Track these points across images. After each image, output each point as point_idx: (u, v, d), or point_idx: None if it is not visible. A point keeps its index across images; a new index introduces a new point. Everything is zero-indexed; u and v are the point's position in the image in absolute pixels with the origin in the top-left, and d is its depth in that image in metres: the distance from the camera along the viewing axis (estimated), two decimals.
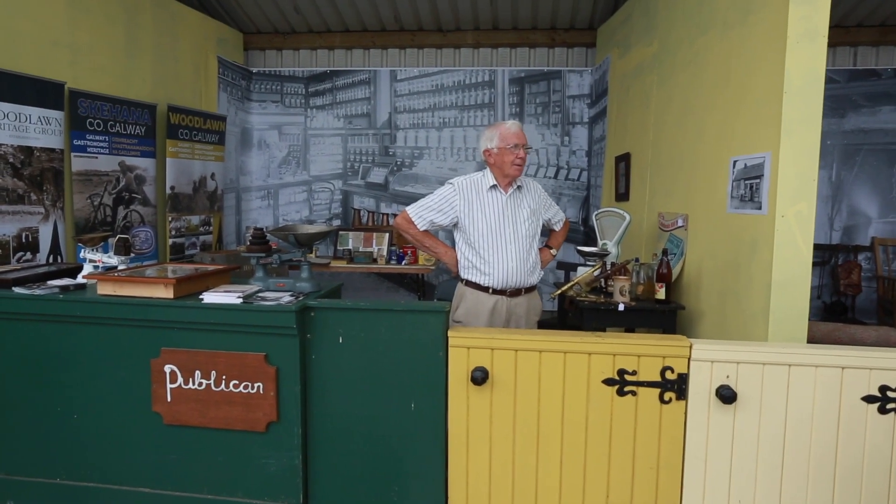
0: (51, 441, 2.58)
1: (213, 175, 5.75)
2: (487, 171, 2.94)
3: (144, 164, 5.01)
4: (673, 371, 2.19)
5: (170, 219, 5.24)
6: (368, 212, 6.25)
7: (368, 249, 5.40)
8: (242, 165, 6.45)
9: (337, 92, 6.44)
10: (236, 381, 2.39)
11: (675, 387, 2.19)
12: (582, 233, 6.10)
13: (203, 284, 2.62)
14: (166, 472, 2.50)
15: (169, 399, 2.45)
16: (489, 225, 2.86)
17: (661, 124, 4.26)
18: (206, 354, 2.41)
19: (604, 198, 5.51)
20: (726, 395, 2.10)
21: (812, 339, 2.74)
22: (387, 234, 5.45)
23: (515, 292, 2.91)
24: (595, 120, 5.98)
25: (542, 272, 3.08)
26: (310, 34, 6.60)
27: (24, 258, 4.01)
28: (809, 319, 2.66)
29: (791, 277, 2.62)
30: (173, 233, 5.29)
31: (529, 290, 2.99)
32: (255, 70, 6.56)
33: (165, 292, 2.44)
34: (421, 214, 2.91)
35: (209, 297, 2.40)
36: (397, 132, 6.38)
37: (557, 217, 3.22)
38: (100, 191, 4.60)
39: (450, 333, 2.33)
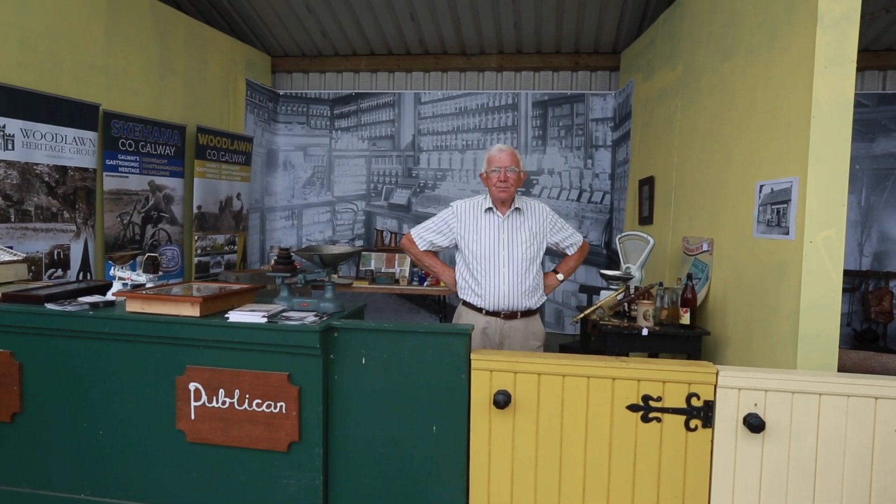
0: (76, 456, 2.61)
1: (238, 195, 5.84)
2: (487, 194, 3.00)
3: (173, 184, 5.11)
4: (699, 398, 2.16)
5: (196, 238, 5.32)
6: (391, 233, 6.29)
7: (391, 270, 5.43)
8: (267, 186, 6.54)
9: (361, 114, 6.53)
10: (259, 401, 2.40)
11: (701, 414, 2.16)
12: (605, 256, 6.07)
13: (228, 303, 2.65)
14: (189, 490, 2.51)
15: (193, 417, 2.47)
16: (482, 247, 2.89)
17: (686, 148, 4.24)
18: (229, 373, 2.43)
19: (627, 221, 5.48)
20: (754, 424, 2.06)
21: (843, 368, 2.68)
22: (409, 256, 5.47)
23: (510, 315, 2.91)
24: (618, 143, 5.97)
25: (544, 296, 3.04)
26: (336, 57, 6.72)
27: (55, 275, 4.10)
28: (839, 347, 2.60)
29: (820, 304, 2.57)
30: (199, 251, 5.37)
31: (527, 313, 2.96)
32: (281, 92, 6.69)
33: (192, 310, 2.47)
34: (422, 235, 3.02)
35: (235, 316, 2.42)
36: (420, 154, 6.43)
37: (570, 241, 3.11)
38: (129, 209, 4.71)
39: (473, 356, 2.32)
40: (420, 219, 6.31)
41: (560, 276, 3.13)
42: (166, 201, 5.07)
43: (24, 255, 3.43)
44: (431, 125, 6.41)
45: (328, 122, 6.58)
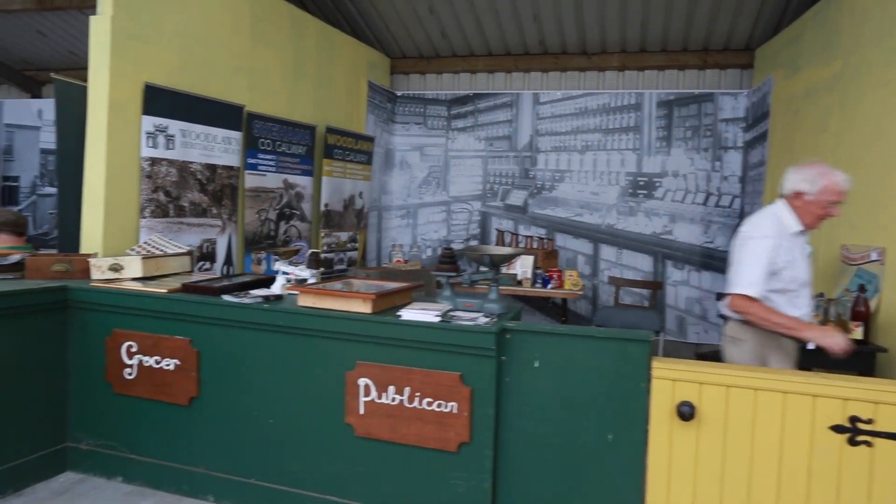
0: (247, 442, 2.72)
1: (360, 194, 5.97)
2: (789, 213, 2.62)
3: (303, 182, 5.29)
4: None
5: (322, 234, 5.48)
6: (512, 234, 6.24)
7: (512, 272, 5.38)
8: (384, 185, 6.66)
9: (478, 114, 6.53)
10: (430, 399, 2.41)
11: None
12: None
13: (392, 301, 2.68)
14: (355, 484, 2.55)
15: (361, 412, 2.51)
16: (800, 272, 2.60)
17: (843, 149, 3.95)
18: (400, 370, 2.45)
19: None
20: None
21: None
22: (532, 258, 5.40)
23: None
24: (752, 144, 5.66)
25: None
26: (453, 58, 6.75)
27: (204, 267, 4.32)
28: None
29: None
30: (324, 248, 5.52)
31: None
32: (399, 93, 6.79)
33: (363, 307, 2.51)
34: (756, 284, 2.51)
35: (407, 314, 2.44)
36: (538, 155, 6.36)
37: None
38: (266, 206, 4.90)
39: (654, 364, 2.23)
40: (537, 220, 6.24)
41: None
42: (297, 199, 5.24)
43: (189, 248, 3.63)
44: (550, 126, 6.32)
45: (445, 123, 6.63)
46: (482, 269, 2.65)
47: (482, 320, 2.40)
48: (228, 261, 4.55)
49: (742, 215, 5.77)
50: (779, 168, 5.00)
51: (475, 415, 2.38)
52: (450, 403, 2.39)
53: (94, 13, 3.60)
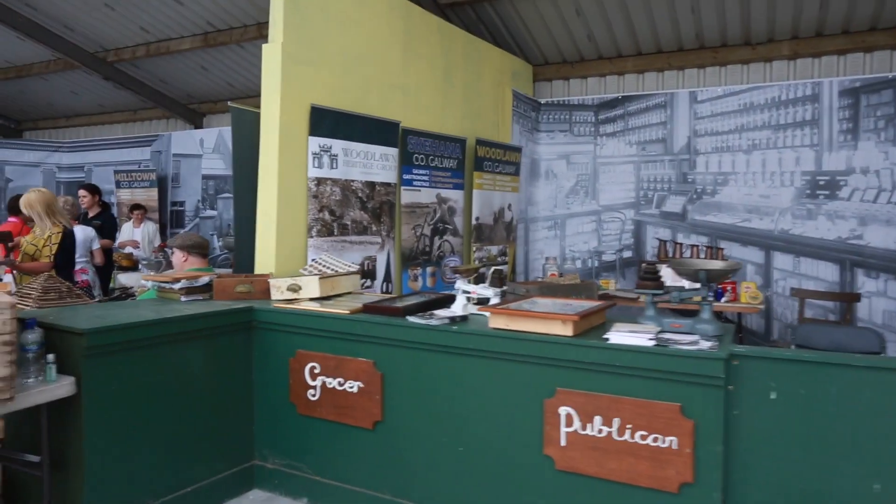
0: (435, 470, 2.59)
1: (509, 206, 5.81)
2: None
3: (455, 196, 5.21)
4: None
5: (473, 249, 5.37)
6: (676, 243, 5.80)
7: (678, 283, 4.96)
8: (530, 196, 6.46)
9: (629, 118, 6.16)
10: (643, 433, 2.16)
11: None
12: None
13: (591, 322, 2.45)
14: None
15: (563, 443, 2.30)
16: None
17: None
18: (608, 399, 2.22)
19: None
20: None
21: None
22: None
23: None
24: None
25: None
26: (598, 61, 6.44)
27: (365, 285, 4.32)
28: None
29: None
30: (476, 262, 5.40)
31: None
32: (543, 101, 6.58)
33: (563, 329, 2.31)
34: None
35: (616, 338, 2.21)
36: (697, 157, 5.87)
37: None
38: (421, 221, 4.86)
39: None
40: (697, 227, 5.77)
41: None
42: (450, 213, 5.17)
43: (357, 267, 3.62)
44: (710, 125, 5.82)
45: (592, 129, 6.32)
46: (694, 285, 2.36)
47: (704, 344, 2.11)
48: (387, 278, 4.55)
49: None
50: None
51: (699, 452, 2.09)
52: (668, 438, 2.12)
53: (254, 45, 3.72)
